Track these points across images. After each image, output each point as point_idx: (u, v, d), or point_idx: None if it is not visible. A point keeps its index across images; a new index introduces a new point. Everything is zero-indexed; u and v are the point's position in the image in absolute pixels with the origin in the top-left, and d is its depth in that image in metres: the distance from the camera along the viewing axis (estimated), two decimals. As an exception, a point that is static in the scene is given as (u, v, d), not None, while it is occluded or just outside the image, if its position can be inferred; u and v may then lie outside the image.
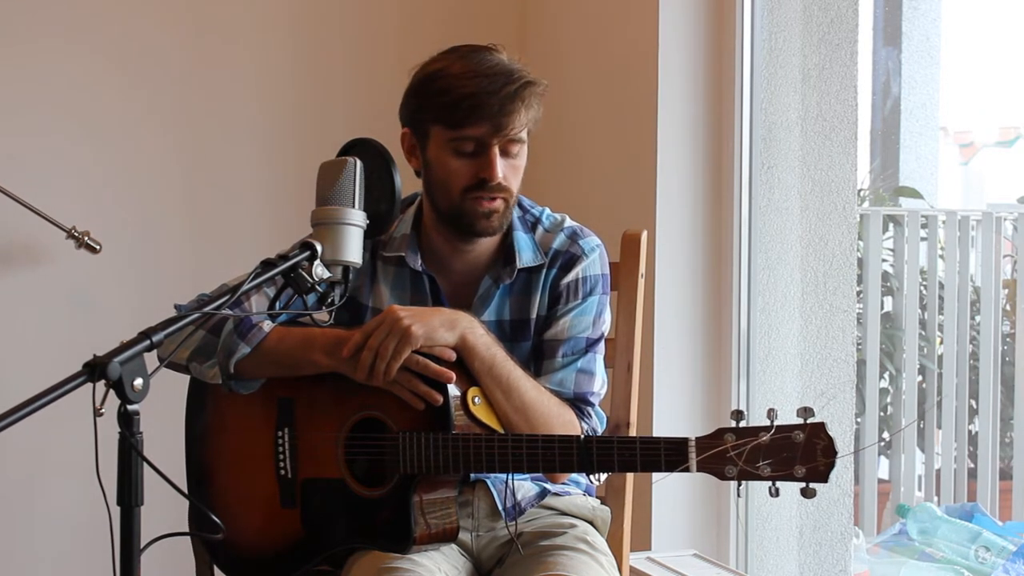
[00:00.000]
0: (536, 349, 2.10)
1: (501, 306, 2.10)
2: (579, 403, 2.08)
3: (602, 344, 2.13)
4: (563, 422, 2.01)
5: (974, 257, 4.32)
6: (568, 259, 2.10)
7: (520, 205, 2.13)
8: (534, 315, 2.09)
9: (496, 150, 1.98)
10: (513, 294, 2.10)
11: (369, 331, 1.92)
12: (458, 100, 1.96)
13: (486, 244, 2.09)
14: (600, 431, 2.10)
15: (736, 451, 1.72)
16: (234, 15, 3.31)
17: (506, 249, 2.10)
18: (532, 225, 2.13)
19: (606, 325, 2.14)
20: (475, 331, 1.96)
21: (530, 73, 2.01)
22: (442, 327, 1.93)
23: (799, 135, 2.86)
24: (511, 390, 1.96)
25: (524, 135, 2.01)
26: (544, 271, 2.10)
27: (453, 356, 1.92)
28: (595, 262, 2.11)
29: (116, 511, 1.53)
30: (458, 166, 2.00)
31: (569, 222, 2.15)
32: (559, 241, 2.11)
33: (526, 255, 2.09)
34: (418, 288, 2.09)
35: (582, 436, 1.87)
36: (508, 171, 2.01)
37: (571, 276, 2.09)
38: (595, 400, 2.10)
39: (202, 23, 3.28)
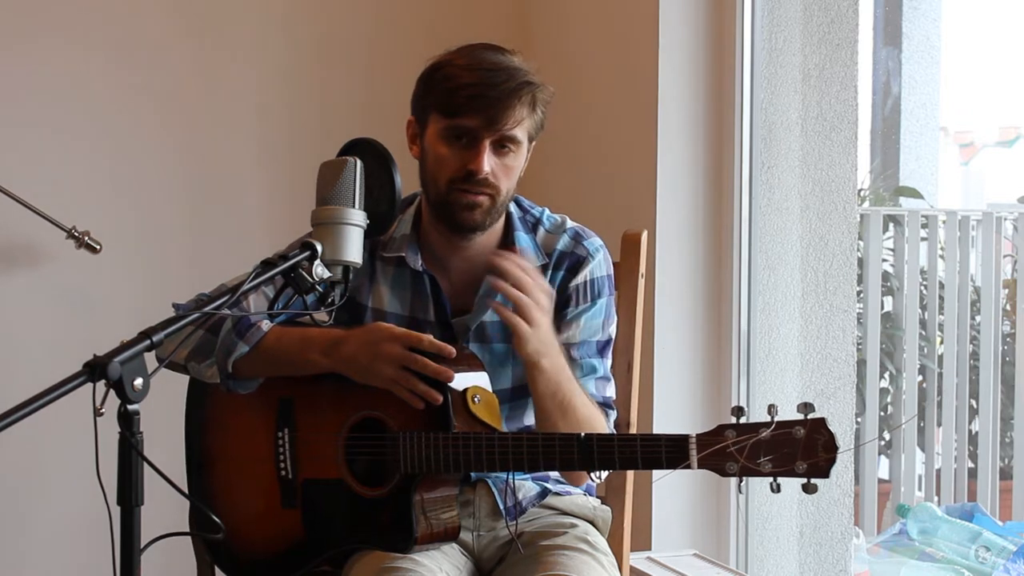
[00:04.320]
0: None
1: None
2: (605, 408, 2.09)
3: (611, 346, 2.15)
4: (595, 427, 2.01)
5: (974, 257, 4.32)
6: (575, 261, 2.10)
7: (520, 206, 2.13)
8: None
9: (487, 144, 1.98)
10: None
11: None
12: (457, 88, 1.97)
13: (485, 243, 2.08)
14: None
15: (737, 447, 1.72)
16: (235, 15, 3.31)
17: (507, 249, 2.09)
18: (533, 226, 2.13)
19: (614, 327, 2.15)
20: (551, 355, 1.96)
21: (536, 77, 2.01)
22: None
23: (799, 135, 2.86)
24: (567, 408, 1.97)
25: (520, 135, 2.00)
26: (550, 273, 2.09)
27: (453, 352, 1.92)
28: (601, 264, 2.11)
29: (116, 511, 1.53)
30: (448, 155, 2.00)
31: (570, 223, 2.15)
32: (563, 243, 2.11)
33: (528, 256, 2.08)
34: (418, 288, 2.09)
35: (582, 434, 1.86)
36: (498, 169, 2.00)
37: (580, 279, 2.09)
38: (613, 405, 2.13)
39: (203, 23, 3.28)
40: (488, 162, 1.98)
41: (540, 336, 1.93)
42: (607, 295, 2.12)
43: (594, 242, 2.13)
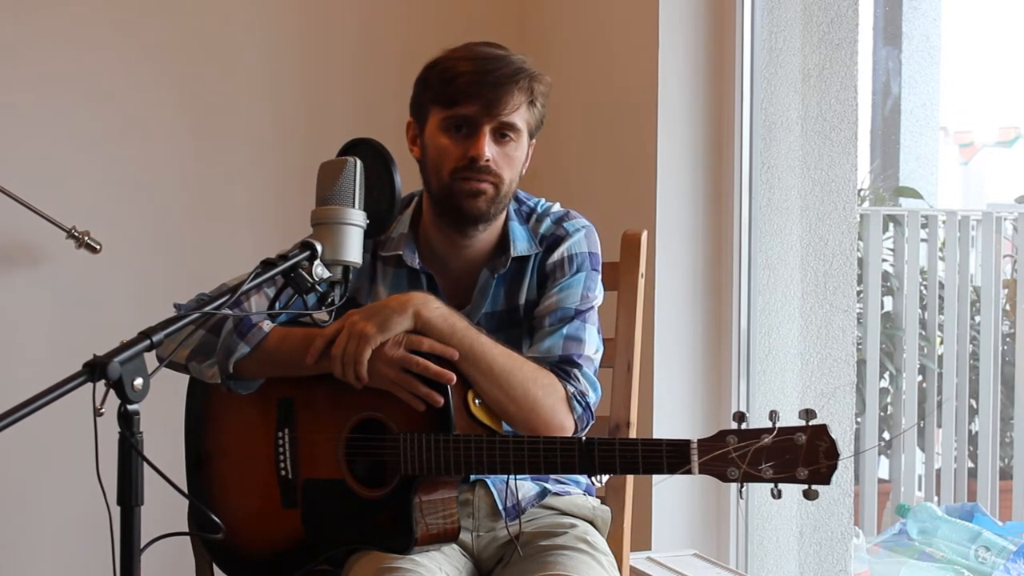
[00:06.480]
0: (528, 331, 2.09)
1: (496, 297, 2.10)
2: (564, 365, 2.03)
3: (593, 314, 2.09)
4: (541, 384, 1.97)
5: (974, 257, 4.32)
6: (553, 241, 2.10)
7: (516, 198, 2.14)
8: (522, 300, 2.09)
9: (487, 131, 1.99)
10: (505, 283, 2.10)
11: (330, 337, 1.92)
12: (454, 78, 1.99)
13: (483, 239, 2.09)
14: (592, 397, 2.04)
15: (738, 453, 1.71)
16: (236, 15, 3.32)
17: (502, 240, 2.10)
18: (527, 216, 2.14)
19: (597, 300, 2.12)
20: (428, 306, 1.94)
21: (534, 67, 2.02)
22: (395, 314, 1.92)
23: (799, 135, 2.86)
24: (477, 357, 1.93)
25: (519, 123, 2.02)
26: (539, 258, 2.10)
27: (456, 355, 1.92)
28: (580, 241, 2.11)
29: (116, 511, 1.53)
30: (448, 145, 2.01)
31: (558, 207, 2.16)
32: (545, 226, 2.12)
33: (521, 244, 2.09)
34: (416, 287, 2.09)
35: (583, 438, 1.86)
36: (500, 158, 2.01)
37: (556, 256, 2.09)
38: (584, 363, 2.04)
39: (204, 23, 3.29)
40: (489, 149, 1.99)
41: (378, 315, 1.91)
42: (589, 269, 2.10)
43: (576, 223, 2.12)
